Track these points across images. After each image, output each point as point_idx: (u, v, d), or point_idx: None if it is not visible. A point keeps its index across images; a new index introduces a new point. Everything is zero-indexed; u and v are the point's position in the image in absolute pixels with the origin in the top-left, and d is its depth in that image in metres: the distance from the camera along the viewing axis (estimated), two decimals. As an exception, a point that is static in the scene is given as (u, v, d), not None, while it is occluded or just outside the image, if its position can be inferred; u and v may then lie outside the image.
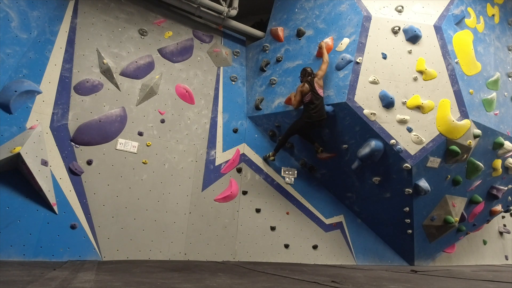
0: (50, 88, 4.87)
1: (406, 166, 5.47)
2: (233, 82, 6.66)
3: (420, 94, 5.54)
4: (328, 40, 5.86)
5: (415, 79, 5.58)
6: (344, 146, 5.87)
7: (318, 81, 5.49)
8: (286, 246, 6.04)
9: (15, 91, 4.47)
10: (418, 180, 5.66)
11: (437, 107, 5.50)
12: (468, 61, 5.84)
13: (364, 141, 5.57)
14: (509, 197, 7.40)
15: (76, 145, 4.90)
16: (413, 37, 5.64)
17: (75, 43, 5.26)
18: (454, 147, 5.52)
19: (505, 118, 6.25)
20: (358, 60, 5.53)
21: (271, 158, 6.19)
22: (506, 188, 6.92)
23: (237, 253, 5.67)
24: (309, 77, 5.53)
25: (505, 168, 6.58)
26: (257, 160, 6.33)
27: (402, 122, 5.48)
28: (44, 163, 4.45)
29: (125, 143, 5.26)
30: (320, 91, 5.48)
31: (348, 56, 5.59)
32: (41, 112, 4.72)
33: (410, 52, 5.63)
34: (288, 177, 6.44)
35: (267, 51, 6.68)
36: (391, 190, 5.94)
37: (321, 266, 5.48)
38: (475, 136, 5.65)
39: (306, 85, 5.50)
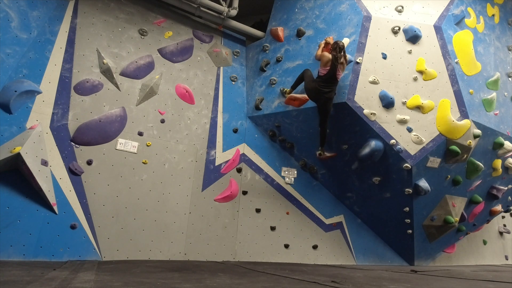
0: (50, 88, 4.87)
1: (406, 166, 5.47)
2: (233, 82, 6.66)
3: (420, 94, 5.54)
4: (328, 40, 5.84)
5: (415, 79, 5.58)
6: (344, 146, 5.87)
7: (341, 65, 5.20)
8: (286, 246, 6.04)
9: (15, 91, 4.47)
10: (418, 180, 5.66)
11: (437, 107, 5.50)
12: (468, 61, 5.84)
13: (364, 141, 5.57)
14: (509, 197, 7.39)
15: (76, 145, 4.89)
16: (413, 37, 5.64)
17: (75, 43, 5.26)
18: (454, 147, 5.52)
19: (505, 118, 6.25)
20: (358, 60, 5.53)
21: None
22: (506, 188, 6.91)
23: (237, 253, 5.67)
24: (339, 54, 5.11)
25: (505, 168, 6.58)
26: (257, 160, 6.33)
27: (402, 122, 5.49)
28: (44, 163, 4.45)
29: (125, 143, 5.26)
30: (339, 75, 5.24)
31: (348, 56, 5.58)
32: (41, 112, 4.72)
33: (410, 52, 5.64)
34: (288, 177, 6.44)
35: (267, 51, 6.68)
36: (391, 190, 5.94)
37: (321, 266, 5.48)
38: (475, 136, 5.65)
39: (331, 56, 5.14)
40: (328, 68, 5.20)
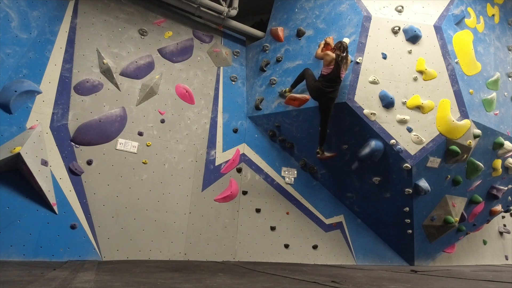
0: (50, 88, 4.87)
1: (406, 166, 5.47)
2: (233, 82, 6.66)
3: (420, 94, 5.54)
4: (328, 40, 5.84)
5: (415, 79, 5.58)
6: (344, 146, 5.87)
7: (345, 65, 5.25)
8: (286, 246, 6.04)
9: (15, 91, 4.47)
10: (418, 180, 5.66)
11: (437, 107, 5.50)
12: (468, 61, 5.84)
13: (364, 141, 5.57)
14: (509, 197, 7.39)
15: (76, 145, 4.89)
16: (413, 37, 5.64)
17: (75, 43, 5.26)
18: (454, 147, 5.52)
19: (505, 118, 6.25)
20: (358, 60, 5.53)
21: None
22: (506, 188, 6.92)
23: (237, 253, 5.67)
24: (342, 53, 5.18)
25: (505, 168, 6.58)
26: (257, 160, 6.33)
27: (402, 122, 5.48)
28: (44, 163, 4.45)
29: (125, 143, 5.26)
30: (343, 74, 5.28)
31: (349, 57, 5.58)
32: (41, 112, 4.72)
33: (410, 52, 5.64)
34: (288, 177, 6.44)
35: (267, 51, 6.68)
36: (391, 190, 5.94)
37: (321, 266, 5.48)
38: (475, 136, 5.65)
39: (335, 55, 5.17)
40: (331, 67, 5.21)
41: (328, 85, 5.24)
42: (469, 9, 6.14)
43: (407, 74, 5.59)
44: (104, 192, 4.92)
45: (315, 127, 5.82)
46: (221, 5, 6.36)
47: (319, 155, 5.82)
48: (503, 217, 8.90)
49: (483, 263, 8.00)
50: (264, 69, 6.56)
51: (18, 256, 4.11)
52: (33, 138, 4.41)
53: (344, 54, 5.22)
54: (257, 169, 6.27)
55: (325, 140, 5.72)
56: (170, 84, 5.91)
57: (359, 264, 6.31)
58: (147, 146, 5.43)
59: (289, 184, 6.41)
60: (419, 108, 5.52)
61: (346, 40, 5.70)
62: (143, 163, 5.33)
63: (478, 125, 5.67)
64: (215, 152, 6.00)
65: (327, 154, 5.97)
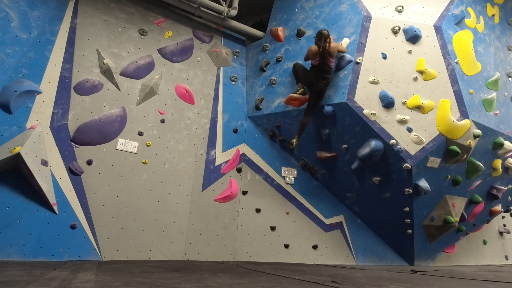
0: (50, 88, 4.87)
1: (406, 166, 5.47)
2: (233, 82, 6.66)
3: (420, 94, 5.54)
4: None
5: (415, 79, 5.58)
6: (344, 146, 5.87)
7: (332, 48, 5.38)
8: (286, 246, 6.04)
9: (15, 91, 4.47)
10: (418, 180, 5.66)
11: (437, 107, 5.51)
12: (468, 61, 5.84)
13: (364, 141, 5.57)
14: (509, 197, 7.39)
15: (76, 145, 4.90)
16: (413, 37, 5.64)
17: (75, 43, 5.26)
18: (454, 147, 5.52)
19: (505, 118, 6.25)
20: (358, 60, 5.53)
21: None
22: (506, 188, 6.91)
23: (237, 253, 5.67)
24: (323, 43, 5.31)
25: (505, 168, 6.58)
26: (257, 160, 6.33)
27: (402, 122, 5.49)
28: (44, 163, 4.45)
29: (125, 143, 5.26)
30: (331, 61, 5.43)
31: (348, 56, 5.59)
32: (41, 112, 4.72)
33: (410, 52, 5.64)
34: (288, 177, 6.44)
35: (267, 51, 6.68)
36: (391, 190, 5.94)
37: (321, 266, 5.48)
38: (475, 136, 5.65)
39: (316, 47, 5.43)
40: (318, 59, 5.43)
41: (321, 73, 5.45)
42: (469, 9, 6.15)
43: (407, 74, 5.60)
44: (104, 192, 4.92)
45: (315, 127, 5.82)
46: (221, 5, 6.36)
47: (291, 146, 5.72)
48: (503, 217, 8.90)
49: (483, 263, 8.00)
50: (264, 69, 6.56)
51: (18, 256, 4.11)
52: (33, 138, 4.41)
53: (326, 43, 5.29)
54: (257, 169, 6.27)
55: (303, 130, 5.76)
56: (170, 84, 5.91)
57: (359, 264, 6.31)
58: (147, 146, 5.43)
59: (289, 184, 6.41)
60: (419, 108, 5.53)
61: (346, 40, 5.72)
62: (143, 163, 5.33)
63: (478, 125, 5.67)
64: (215, 152, 6.00)
65: (326, 154, 5.97)
